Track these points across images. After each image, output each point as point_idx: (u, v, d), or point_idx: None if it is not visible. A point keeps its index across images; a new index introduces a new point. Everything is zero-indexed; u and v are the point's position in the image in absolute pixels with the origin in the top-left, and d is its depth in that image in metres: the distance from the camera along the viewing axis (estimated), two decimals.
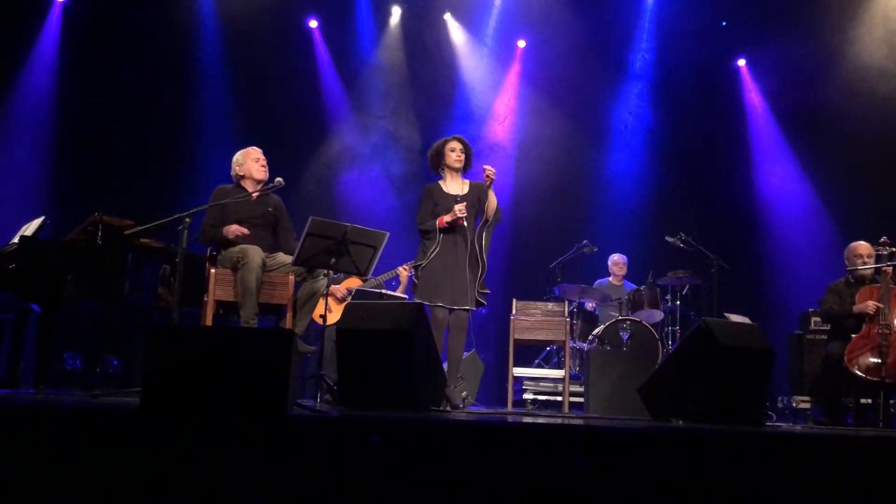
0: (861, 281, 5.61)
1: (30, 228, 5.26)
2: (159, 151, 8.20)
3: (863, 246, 5.70)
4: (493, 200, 5.06)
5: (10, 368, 5.46)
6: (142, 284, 5.45)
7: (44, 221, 5.35)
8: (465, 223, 4.98)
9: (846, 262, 5.79)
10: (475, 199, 5.09)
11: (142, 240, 5.41)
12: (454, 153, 5.15)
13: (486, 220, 5.09)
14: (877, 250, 5.44)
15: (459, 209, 4.92)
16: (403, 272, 6.52)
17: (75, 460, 2.73)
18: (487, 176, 4.95)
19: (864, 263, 5.61)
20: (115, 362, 6.98)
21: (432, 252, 4.99)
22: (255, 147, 5.32)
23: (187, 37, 8.54)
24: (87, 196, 7.57)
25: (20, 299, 5.19)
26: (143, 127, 8.13)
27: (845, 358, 5.25)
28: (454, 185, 5.16)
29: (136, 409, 2.95)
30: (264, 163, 5.25)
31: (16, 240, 5.13)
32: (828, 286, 5.81)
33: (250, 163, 5.23)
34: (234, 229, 4.94)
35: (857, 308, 5.39)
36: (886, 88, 7.98)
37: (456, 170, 5.17)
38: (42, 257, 5.01)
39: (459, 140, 5.20)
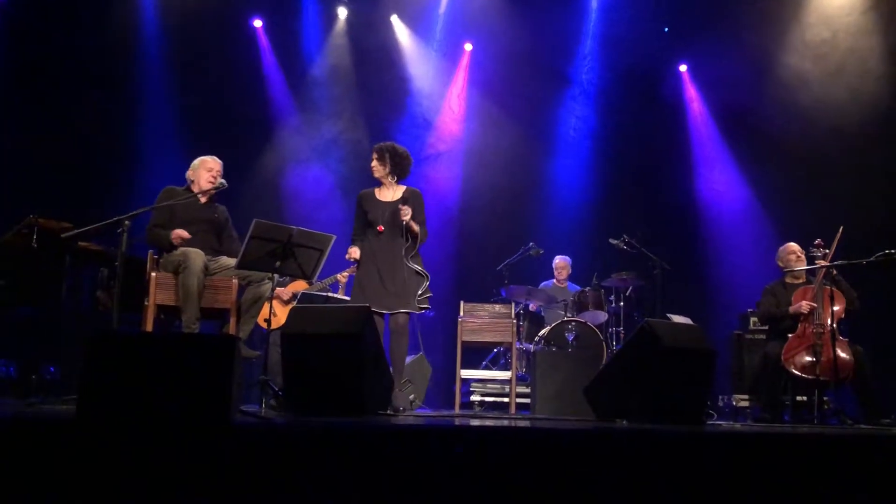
0: (795, 278, 5.80)
1: None
2: (98, 153, 7.97)
3: (793, 246, 5.89)
4: (413, 227, 4.98)
5: None
6: (80, 289, 5.31)
7: None
8: (384, 229, 4.97)
9: (779, 264, 5.96)
10: (412, 204, 5.04)
11: (80, 243, 5.27)
12: (372, 165, 5.17)
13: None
14: (811, 252, 5.61)
15: (353, 255, 5.01)
16: (342, 278, 6.49)
17: (8, 472, 2.64)
18: (402, 217, 4.92)
19: (794, 263, 5.79)
20: (52, 369, 6.76)
21: (362, 258, 5.03)
22: (215, 159, 5.25)
23: (127, 33, 8.36)
24: (22, 198, 7.32)
25: None
26: (82, 127, 7.89)
27: (783, 357, 5.39)
28: (386, 192, 5.15)
29: (73, 419, 2.85)
30: (216, 175, 5.17)
31: None
32: (764, 288, 5.97)
33: (202, 172, 5.18)
34: (177, 234, 4.85)
35: (792, 308, 5.55)
36: (813, 95, 8.23)
37: (382, 179, 5.16)
38: None
39: (375, 150, 5.18)
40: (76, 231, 4.76)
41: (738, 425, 4.78)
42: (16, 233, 5.23)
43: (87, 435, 2.73)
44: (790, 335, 5.50)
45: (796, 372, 5.34)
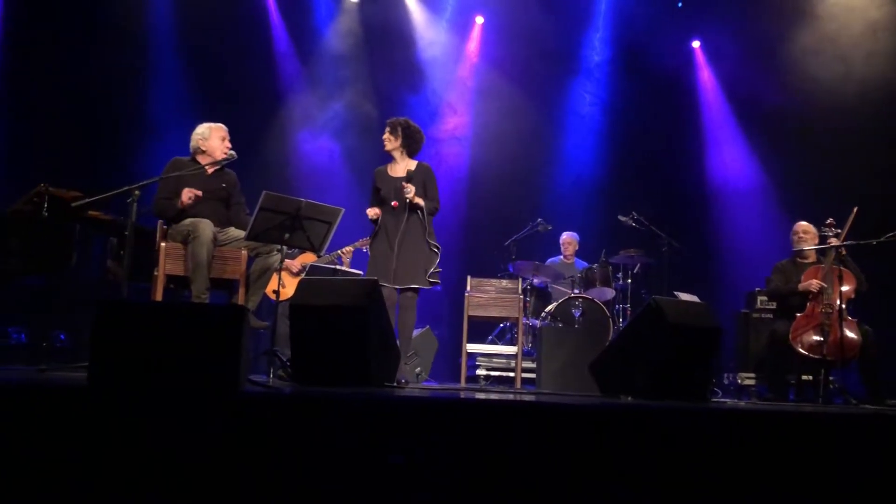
0: (805, 258, 5.79)
1: None
2: (109, 122, 7.98)
3: (805, 225, 5.87)
4: (418, 202, 5.00)
5: None
6: (90, 258, 5.34)
7: None
8: (398, 204, 5.00)
9: (793, 242, 5.94)
10: (420, 180, 5.08)
11: (90, 212, 5.29)
12: (384, 138, 5.20)
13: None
14: (822, 232, 5.58)
15: (372, 213, 5.06)
16: (345, 254, 6.50)
17: (22, 436, 2.68)
18: (405, 196, 4.95)
19: (806, 242, 5.77)
20: (63, 336, 6.83)
21: (374, 233, 5.10)
22: (221, 125, 5.19)
23: (139, 3, 8.30)
24: (33, 167, 7.35)
25: None
26: (92, 97, 7.89)
27: (790, 336, 5.39)
28: (398, 168, 5.17)
29: (84, 385, 2.89)
30: (229, 144, 5.14)
31: None
32: (774, 265, 5.96)
33: (216, 140, 5.10)
34: (186, 192, 4.83)
35: (801, 286, 5.54)
36: (828, 73, 8.16)
37: (393, 152, 5.17)
38: None
39: (388, 123, 5.21)
40: (86, 200, 4.77)
41: (742, 403, 4.79)
42: (27, 201, 5.25)
43: (99, 401, 2.77)
44: (798, 314, 5.50)
45: (803, 351, 5.34)
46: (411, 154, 5.19)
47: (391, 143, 5.15)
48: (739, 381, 6.53)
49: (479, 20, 9.15)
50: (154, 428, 2.70)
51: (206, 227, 4.75)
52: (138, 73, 8.25)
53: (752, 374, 6.46)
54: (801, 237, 5.85)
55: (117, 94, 8.06)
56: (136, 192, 4.41)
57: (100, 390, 2.84)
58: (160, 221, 5.02)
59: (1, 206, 5.49)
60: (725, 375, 6.88)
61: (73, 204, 4.82)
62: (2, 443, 2.67)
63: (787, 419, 3.30)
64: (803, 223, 5.91)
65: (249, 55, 8.62)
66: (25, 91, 7.77)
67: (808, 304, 5.49)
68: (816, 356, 5.28)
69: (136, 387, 2.84)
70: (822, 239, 5.58)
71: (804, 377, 5.79)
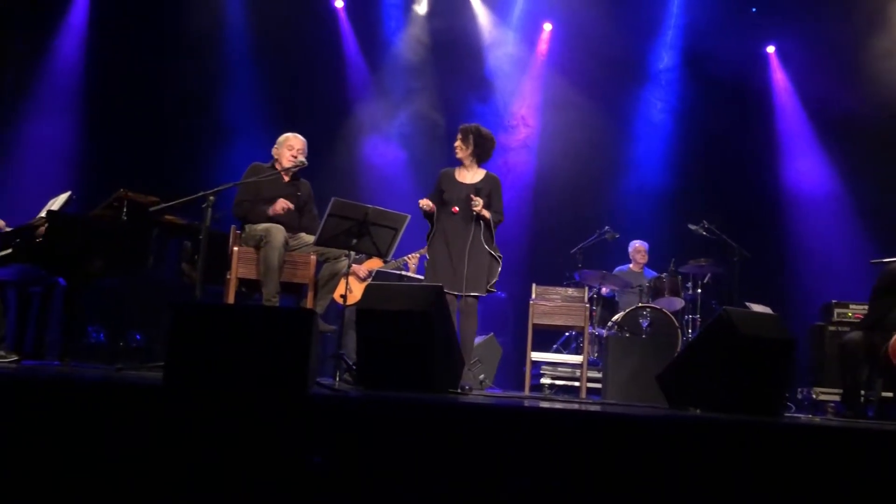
0: None
1: (56, 203, 5.33)
2: (185, 129, 8.26)
3: None
4: (485, 215, 5.00)
5: (36, 341, 5.55)
6: (165, 261, 5.50)
7: (70, 196, 5.41)
8: (458, 211, 5.00)
9: None
10: (487, 192, 5.07)
11: (166, 216, 5.46)
12: (455, 145, 5.20)
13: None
14: None
15: (424, 204, 5.03)
16: (411, 260, 6.54)
17: (99, 432, 2.78)
18: (473, 209, 4.94)
19: None
20: (138, 336, 7.07)
21: (431, 237, 5.13)
22: (298, 137, 5.35)
23: (214, 13, 8.58)
24: (113, 172, 7.66)
25: (47, 273, 5.27)
26: (170, 105, 8.19)
27: (889, 350, 5.11)
28: (466, 174, 5.17)
29: (160, 385, 2.99)
30: (296, 154, 5.27)
31: (43, 214, 5.20)
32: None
33: (284, 150, 5.29)
34: (281, 203, 4.98)
35: None
36: None
37: (464, 160, 5.17)
38: (68, 232, 5.07)
39: (460, 130, 5.21)
40: (163, 205, 4.94)
41: (817, 419, 4.64)
42: (107, 206, 5.45)
43: (174, 401, 2.86)
44: None
45: None
46: (481, 162, 5.18)
47: (462, 150, 5.16)
48: (814, 395, 6.33)
49: (548, 27, 9.12)
50: (225, 425, 2.77)
51: (278, 232, 4.88)
52: (214, 83, 8.51)
53: (828, 389, 6.24)
54: None
55: (194, 103, 8.34)
56: (211, 198, 4.54)
57: (175, 389, 2.93)
58: (233, 226, 5.17)
59: (84, 211, 5.72)
60: (799, 390, 6.66)
61: (151, 209, 4.98)
62: (82, 439, 2.77)
63: (866, 437, 3.17)
64: None
65: (320, 64, 8.79)
66: (107, 100, 8.10)
67: None
68: None
69: (208, 386, 2.92)
70: None
71: (884, 394, 5.55)
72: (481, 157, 5.17)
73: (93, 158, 7.98)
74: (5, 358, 4.77)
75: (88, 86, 8.18)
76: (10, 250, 5.06)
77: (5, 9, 7.65)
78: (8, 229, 5.31)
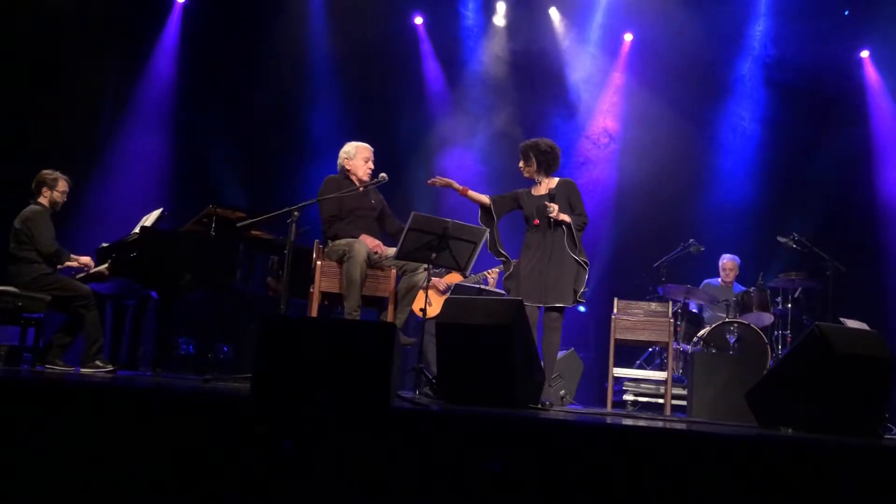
0: None
1: (149, 219, 5.56)
2: (271, 146, 8.51)
3: None
4: (564, 218, 4.90)
5: (130, 352, 5.79)
6: (252, 275, 5.66)
7: (162, 212, 5.65)
8: (540, 221, 4.93)
9: None
10: (564, 196, 4.99)
11: (252, 231, 5.62)
12: (519, 167, 5.15)
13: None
14: None
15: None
16: (491, 275, 6.51)
17: (190, 440, 2.87)
18: (549, 215, 4.87)
19: None
20: (226, 349, 7.28)
21: (521, 252, 5.04)
22: (367, 145, 5.42)
23: (299, 32, 8.81)
24: (203, 187, 7.96)
25: (140, 287, 5.50)
26: (256, 120, 8.47)
27: None
28: (540, 188, 5.10)
29: (248, 396, 3.07)
30: (372, 165, 5.36)
31: (137, 230, 5.43)
32: None
33: (360, 161, 5.34)
34: (375, 246, 5.08)
35: None
36: None
37: (533, 177, 5.13)
38: (160, 247, 5.28)
39: (520, 151, 5.13)
40: (250, 220, 5.10)
41: None
42: (197, 221, 5.65)
43: (262, 411, 2.93)
44: None
45: None
46: (550, 172, 5.10)
47: (527, 170, 5.09)
48: None
49: (629, 37, 9.00)
50: (312, 436, 2.81)
51: (360, 247, 4.96)
52: (299, 100, 8.73)
53: None
54: None
55: (279, 120, 8.58)
56: (296, 213, 4.65)
57: (262, 400, 3.00)
58: (316, 241, 5.27)
59: (175, 226, 5.95)
60: None
61: (238, 224, 5.14)
62: (172, 448, 2.87)
63: None
64: None
65: (401, 80, 8.91)
66: (198, 117, 8.42)
67: None
68: None
69: (295, 397, 2.99)
70: None
71: None
72: (549, 169, 5.08)
73: (184, 173, 8.30)
74: (103, 367, 4.99)
75: (180, 104, 8.51)
76: (107, 265, 5.31)
77: (106, 29, 8.05)
78: (105, 245, 5.57)
